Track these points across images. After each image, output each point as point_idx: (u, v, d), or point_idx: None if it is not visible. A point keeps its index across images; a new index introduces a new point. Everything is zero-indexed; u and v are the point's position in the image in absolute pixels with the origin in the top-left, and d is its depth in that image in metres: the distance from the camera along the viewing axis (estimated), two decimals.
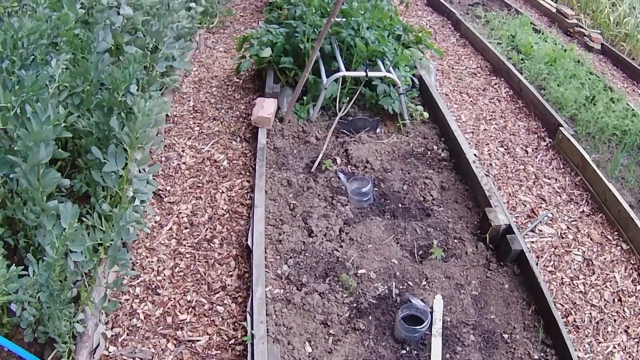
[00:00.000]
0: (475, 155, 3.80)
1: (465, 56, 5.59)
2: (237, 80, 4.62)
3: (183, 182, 3.48)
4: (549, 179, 3.92)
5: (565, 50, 5.57)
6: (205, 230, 3.12)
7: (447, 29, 6.27)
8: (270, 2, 5.50)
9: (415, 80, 4.24)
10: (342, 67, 3.81)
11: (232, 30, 5.73)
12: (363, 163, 3.68)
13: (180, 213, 3.23)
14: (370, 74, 3.74)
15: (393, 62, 4.07)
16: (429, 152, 3.91)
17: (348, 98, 4.09)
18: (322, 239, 3.03)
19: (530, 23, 6.45)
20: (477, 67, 5.39)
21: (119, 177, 2.66)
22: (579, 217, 3.51)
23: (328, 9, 4.25)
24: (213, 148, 3.79)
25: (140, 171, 3.00)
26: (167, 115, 4.07)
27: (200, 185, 3.46)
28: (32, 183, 2.26)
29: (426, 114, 4.17)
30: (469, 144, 4.03)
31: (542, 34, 6.23)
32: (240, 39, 4.40)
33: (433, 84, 4.55)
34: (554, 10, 7.39)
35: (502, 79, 5.18)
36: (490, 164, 4.03)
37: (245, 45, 4.49)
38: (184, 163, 3.65)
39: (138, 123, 2.62)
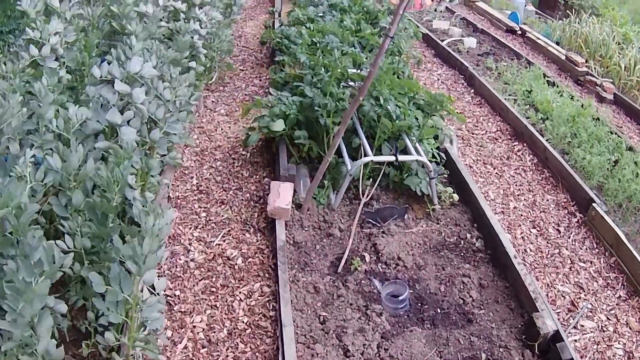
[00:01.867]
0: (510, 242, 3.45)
1: (483, 117, 5.29)
2: (244, 153, 4.19)
3: (194, 286, 3.01)
4: (584, 262, 3.65)
5: (583, 107, 5.35)
6: (227, 350, 2.66)
7: (459, 84, 5.99)
8: (274, 60, 5.12)
9: (442, 155, 3.89)
10: (367, 148, 3.43)
11: (232, 87, 5.32)
12: (394, 260, 3.28)
13: (195, 327, 2.77)
14: (401, 158, 3.37)
15: (418, 138, 3.71)
16: (462, 242, 3.54)
17: (371, 180, 3.70)
18: (360, 359, 2.62)
19: (543, 75, 6.24)
20: (497, 130, 5.09)
21: (126, 303, 2.20)
22: (616, 304, 3.30)
23: (345, 75, 3.89)
24: (224, 241, 3.34)
25: (149, 290, 2.53)
26: (169, 196, 3.61)
27: (214, 289, 3.00)
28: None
29: (456, 196, 3.81)
30: (502, 227, 3.69)
31: (557, 87, 6.03)
32: (245, 108, 3.98)
33: (457, 155, 4.21)
34: (563, 57, 7.23)
35: (525, 145, 4.89)
36: (525, 250, 3.71)
37: (254, 114, 4.08)
38: (192, 260, 3.19)
39: (146, 246, 2.17)
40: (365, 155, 3.33)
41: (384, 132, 3.67)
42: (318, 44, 4.68)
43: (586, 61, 7.16)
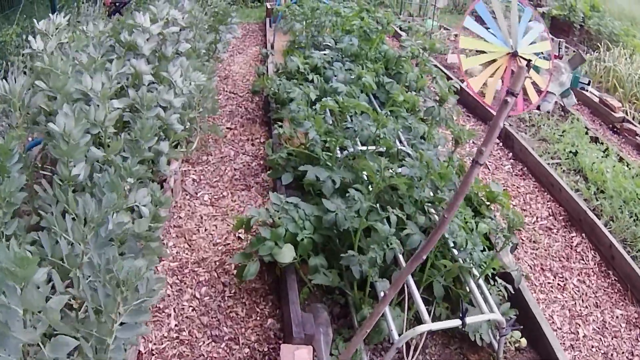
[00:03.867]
0: None
1: (530, 195, 4.30)
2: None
3: None
4: None
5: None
6: None
7: (494, 144, 4.98)
8: (269, 113, 4.05)
9: (510, 288, 2.88)
10: (424, 313, 2.36)
11: (218, 157, 4.21)
12: None
13: None
14: (470, 320, 2.33)
15: (484, 273, 2.68)
16: None
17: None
18: None
19: (585, 128, 5.31)
20: (549, 214, 4.11)
21: None
22: None
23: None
24: None
25: None
26: (139, 352, 2.53)
27: None
28: None
29: (524, 341, 2.81)
30: None
31: (602, 144, 5.12)
32: (238, 222, 2.88)
33: (526, 287, 3.19)
34: (597, 99, 6.32)
35: (584, 236, 3.92)
36: None
37: (254, 235, 2.99)
38: None
39: None
40: (421, 320, 2.28)
41: (437, 271, 2.65)
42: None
43: (621, 105, 6.28)
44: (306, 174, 3.15)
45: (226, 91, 5.45)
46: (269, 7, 8.08)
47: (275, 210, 2.71)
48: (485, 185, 3.40)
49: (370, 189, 2.58)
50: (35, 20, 3.12)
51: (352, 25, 5.43)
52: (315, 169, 2.95)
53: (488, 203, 3.46)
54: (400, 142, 3.44)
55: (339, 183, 2.78)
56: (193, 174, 3.97)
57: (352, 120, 3.02)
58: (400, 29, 7.42)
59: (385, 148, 3.05)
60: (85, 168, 2.42)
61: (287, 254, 2.59)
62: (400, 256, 2.63)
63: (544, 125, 5.40)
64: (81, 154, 2.30)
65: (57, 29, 3.02)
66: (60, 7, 7.30)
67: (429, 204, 2.87)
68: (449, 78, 5.87)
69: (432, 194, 2.86)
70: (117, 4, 7.39)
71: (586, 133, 5.26)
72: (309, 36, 5.27)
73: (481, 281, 2.68)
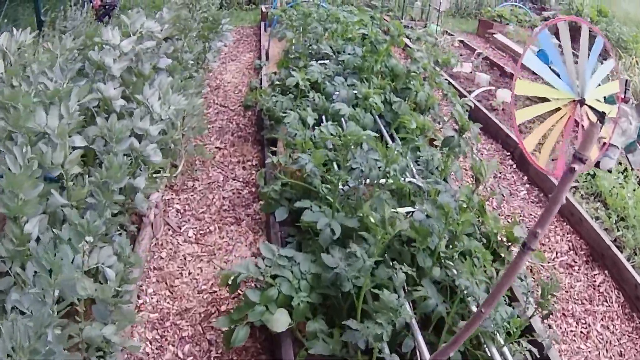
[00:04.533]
0: None
1: (549, 225, 3.93)
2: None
3: None
4: None
5: None
6: None
7: (507, 166, 4.62)
8: (262, 131, 3.65)
9: (535, 352, 2.50)
10: None
11: (205, 182, 3.81)
12: None
13: None
14: None
15: (508, 342, 2.31)
16: None
17: None
18: None
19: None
20: (570, 249, 3.75)
21: None
22: None
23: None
24: None
25: None
26: None
27: None
28: None
29: None
30: None
31: (620, 163, 4.75)
32: (223, 278, 2.47)
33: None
34: None
35: (607, 273, 3.57)
36: None
37: (243, 292, 2.59)
38: None
39: None
40: None
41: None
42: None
43: None
44: (303, 212, 2.77)
45: (216, 104, 5.04)
46: (264, 10, 7.67)
47: (267, 265, 2.32)
48: (507, 227, 3.03)
49: (377, 237, 2.20)
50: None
51: (356, 33, 5.04)
52: (314, 214, 2.56)
53: (509, 244, 3.11)
54: (412, 174, 3.06)
55: (339, 232, 2.40)
56: (177, 204, 3.57)
57: (355, 152, 2.62)
58: (407, 37, 7.02)
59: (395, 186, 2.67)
60: (41, 220, 2.03)
61: (280, 321, 2.21)
62: (414, 321, 2.25)
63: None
64: (34, 208, 1.90)
65: (19, 48, 2.61)
66: (46, 11, 6.85)
67: (445, 254, 2.49)
68: (460, 95, 5.49)
69: (448, 243, 2.48)
70: (106, 7, 6.98)
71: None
72: (305, 45, 4.86)
73: (505, 348, 2.31)
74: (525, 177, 4.46)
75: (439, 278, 2.45)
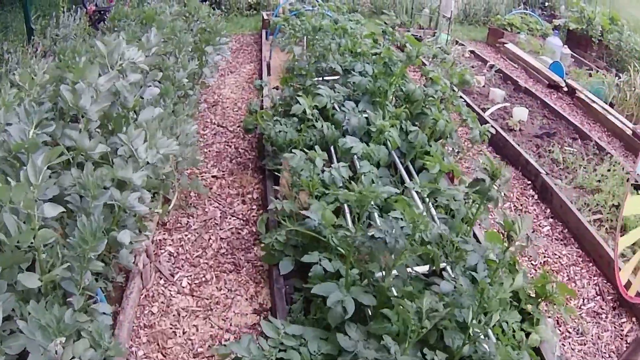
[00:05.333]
0: None
1: (574, 266, 3.60)
2: None
3: None
4: None
5: None
6: None
7: (528, 197, 4.28)
8: (264, 159, 3.30)
9: None
10: None
11: (200, 219, 3.46)
12: None
13: None
14: None
15: None
16: None
17: None
18: None
19: (626, 174, 4.63)
20: (597, 294, 3.42)
21: None
22: None
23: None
24: None
25: None
26: None
27: None
28: None
29: None
30: None
31: None
32: (222, 356, 2.13)
33: None
34: (629, 131, 5.65)
35: (635, 320, 3.26)
36: None
37: None
38: None
39: None
40: None
41: None
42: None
43: None
44: (311, 266, 2.44)
45: (214, 123, 4.69)
46: (265, 17, 7.29)
47: (271, 345, 1.98)
48: (537, 282, 2.70)
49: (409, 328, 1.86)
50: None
51: (366, 48, 4.69)
52: (324, 286, 2.21)
53: (538, 300, 2.78)
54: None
55: (351, 311, 2.05)
56: (170, 245, 3.22)
57: (372, 212, 2.28)
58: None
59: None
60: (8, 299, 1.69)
61: None
62: None
63: (579, 167, 4.71)
64: None
65: None
66: (37, 17, 6.47)
67: (477, 329, 2.15)
68: (476, 113, 5.13)
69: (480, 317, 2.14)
70: (101, 12, 6.63)
71: (627, 180, 4.58)
72: (310, 61, 4.51)
73: None
74: (548, 210, 4.13)
75: (467, 353, 2.13)
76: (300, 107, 3.21)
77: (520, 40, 7.96)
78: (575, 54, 8.51)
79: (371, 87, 3.65)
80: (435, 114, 3.48)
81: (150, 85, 2.86)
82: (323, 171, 2.78)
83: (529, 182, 4.49)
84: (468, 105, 5.49)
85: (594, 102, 6.40)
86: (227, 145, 4.32)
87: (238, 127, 4.62)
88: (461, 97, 5.30)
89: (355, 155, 2.94)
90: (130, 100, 2.63)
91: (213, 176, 3.88)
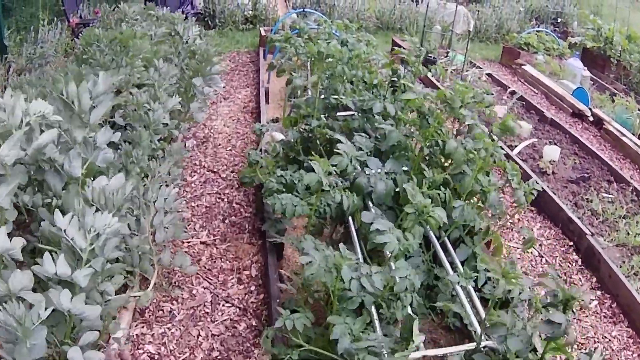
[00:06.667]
0: None
1: (625, 350, 2.96)
2: None
3: None
4: None
5: None
6: None
7: (572, 263, 3.62)
8: (263, 217, 2.60)
9: None
10: None
11: (187, 305, 2.74)
12: None
13: None
14: None
15: None
16: None
17: None
18: None
19: None
20: None
21: None
22: None
23: None
24: None
25: None
26: None
27: None
28: None
29: None
30: None
31: None
32: None
33: None
34: None
35: None
36: None
37: None
38: None
39: None
40: None
41: None
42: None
43: None
44: None
45: (203, 167, 3.97)
46: (263, 33, 6.59)
47: None
48: None
49: None
50: None
51: (382, 80, 4.03)
52: None
53: None
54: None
55: None
56: (150, 342, 2.50)
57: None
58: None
59: None
60: None
61: None
62: None
63: (619, 219, 4.08)
64: None
65: None
66: (12, 32, 5.72)
67: None
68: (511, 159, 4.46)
69: None
70: (85, 25, 5.99)
71: None
72: (317, 97, 3.80)
73: None
74: (595, 279, 3.48)
75: None
76: (314, 176, 2.51)
77: (538, 61, 7.35)
78: (592, 75, 7.94)
79: (403, 142, 2.97)
80: (485, 186, 2.81)
81: (104, 148, 2.14)
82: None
83: (571, 243, 3.84)
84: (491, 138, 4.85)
85: (623, 135, 5.80)
86: (219, 197, 3.61)
87: (232, 172, 3.92)
88: (493, 138, 4.65)
89: (386, 249, 2.25)
90: (77, 167, 1.93)
91: (202, 242, 3.17)
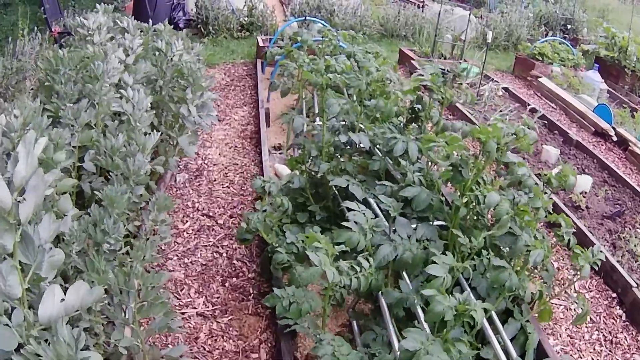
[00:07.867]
0: None
1: None
2: None
3: None
4: None
5: None
6: None
7: (616, 318, 3.15)
8: (272, 284, 2.10)
9: None
10: None
11: None
12: None
13: None
14: None
15: None
16: None
17: None
18: None
19: None
20: None
21: None
22: None
23: None
24: None
25: None
26: None
27: None
28: None
29: None
30: None
31: None
32: None
33: None
34: None
35: None
36: None
37: None
38: None
39: None
40: None
41: None
42: None
43: None
44: None
45: (197, 209, 3.43)
46: (260, 43, 6.02)
47: None
48: None
49: None
50: None
51: (402, 107, 3.52)
52: None
53: None
54: None
55: None
56: None
57: None
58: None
59: None
60: None
61: None
62: None
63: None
64: None
65: None
66: None
67: None
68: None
69: None
70: (69, 34, 5.43)
71: None
72: (324, 136, 3.22)
73: None
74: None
75: None
76: (315, 271, 1.98)
77: (554, 73, 6.89)
78: (608, 88, 7.50)
79: (436, 203, 2.46)
80: (537, 246, 2.32)
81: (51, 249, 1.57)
82: None
83: (614, 295, 3.37)
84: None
85: None
86: (217, 251, 3.07)
87: (230, 217, 3.38)
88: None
89: None
90: (15, 286, 1.39)
91: (199, 314, 2.64)
